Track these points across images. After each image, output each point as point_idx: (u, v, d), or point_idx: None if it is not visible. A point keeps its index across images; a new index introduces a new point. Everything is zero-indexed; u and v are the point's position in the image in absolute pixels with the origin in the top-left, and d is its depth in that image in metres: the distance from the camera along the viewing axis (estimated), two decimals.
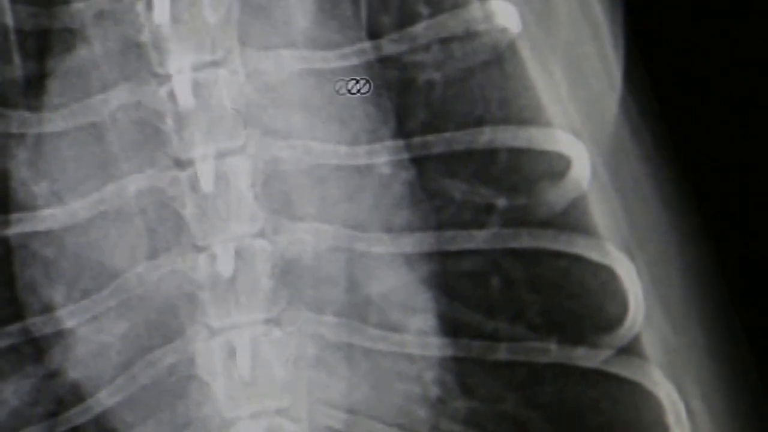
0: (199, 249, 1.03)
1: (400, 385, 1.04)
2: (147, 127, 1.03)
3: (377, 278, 1.04)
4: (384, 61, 1.04)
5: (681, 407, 1.05)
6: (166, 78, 1.02)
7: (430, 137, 1.04)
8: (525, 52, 1.04)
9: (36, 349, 1.03)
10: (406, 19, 1.04)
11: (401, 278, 1.04)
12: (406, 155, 1.04)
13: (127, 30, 1.03)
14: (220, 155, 1.03)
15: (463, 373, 1.04)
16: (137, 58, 1.03)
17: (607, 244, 1.04)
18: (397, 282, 1.04)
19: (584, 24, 1.07)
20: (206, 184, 1.03)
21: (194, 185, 1.03)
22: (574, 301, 1.04)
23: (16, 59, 1.02)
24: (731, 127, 1.15)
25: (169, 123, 1.03)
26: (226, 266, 1.03)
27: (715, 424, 1.08)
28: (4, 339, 1.02)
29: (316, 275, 1.04)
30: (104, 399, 1.03)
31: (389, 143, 1.04)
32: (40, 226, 1.02)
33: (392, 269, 1.04)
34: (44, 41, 1.02)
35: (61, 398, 1.03)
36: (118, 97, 1.03)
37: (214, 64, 1.03)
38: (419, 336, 1.04)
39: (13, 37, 1.02)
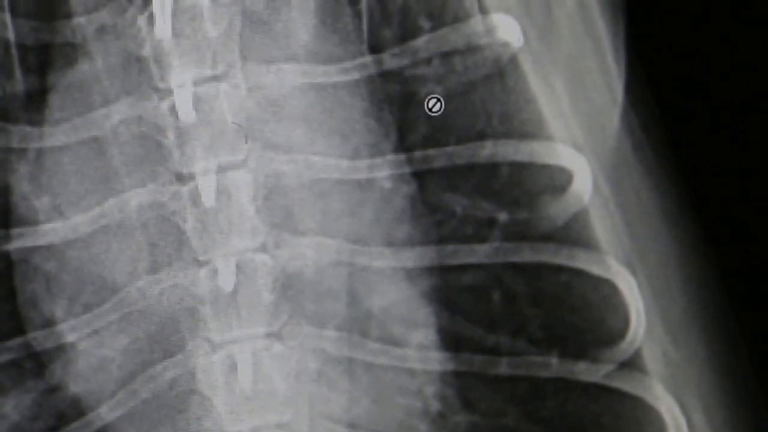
0: (200, 263, 1.03)
1: (402, 400, 1.04)
2: (148, 142, 1.03)
3: (378, 292, 1.04)
4: (385, 75, 1.04)
5: (682, 422, 1.05)
6: (167, 92, 1.02)
7: (432, 151, 1.04)
8: (526, 65, 1.04)
9: (37, 364, 1.02)
10: (408, 33, 1.04)
11: (403, 292, 1.04)
12: (407, 169, 1.04)
13: (129, 44, 1.03)
14: (222, 169, 1.02)
15: (465, 387, 1.04)
16: (138, 72, 1.03)
17: (608, 258, 1.04)
18: (399, 296, 1.04)
19: (586, 38, 1.07)
20: (207, 199, 1.02)
21: (195, 199, 1.03)
22: (575, 316, 1.04)
23: (18, 74, 1.02)
24: (733, 140, 1.15)
25: (170, 137, 1.03)
26: (227, 280, 1.03)
27: None
28: (5, 353, 1.02)
29: (317, 289, 1.04)
30: (105, 413, 1.03)
31: (391, 157, 1.04)
32: (42, 241, 1.02)
33: (393, 283, 1.04)
34: (46, 56, 1.02)
35: (62, 413, 1.03)
36: (120, 111, 1.02)
37: (216, 78, 1.02)
38: (420, 350, 1.04)
39: (14, 51, 1.02)
